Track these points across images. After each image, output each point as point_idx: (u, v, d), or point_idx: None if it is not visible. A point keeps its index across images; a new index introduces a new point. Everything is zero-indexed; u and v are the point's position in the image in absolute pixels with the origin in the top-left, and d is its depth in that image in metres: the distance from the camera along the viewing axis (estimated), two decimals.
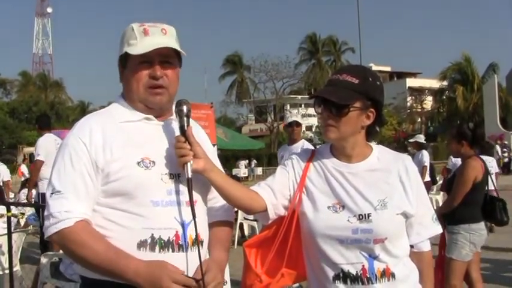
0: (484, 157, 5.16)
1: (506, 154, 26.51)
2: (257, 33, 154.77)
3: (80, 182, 1.94)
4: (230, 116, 56.92)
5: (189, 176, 1.95)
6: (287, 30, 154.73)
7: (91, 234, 1.91)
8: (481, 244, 4.83)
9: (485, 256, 6.28)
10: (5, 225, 5.41)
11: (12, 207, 5.90)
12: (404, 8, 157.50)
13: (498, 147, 25.35)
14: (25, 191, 12.10)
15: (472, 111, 41.64)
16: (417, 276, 2.17)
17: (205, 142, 2.21)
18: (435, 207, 5.12)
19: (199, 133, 2.17)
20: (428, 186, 11.20)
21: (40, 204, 7.47)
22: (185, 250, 1.97)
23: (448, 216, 4.74)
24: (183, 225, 1.98)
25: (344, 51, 60.93)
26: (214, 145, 2.60)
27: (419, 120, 51.92)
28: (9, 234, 5.17)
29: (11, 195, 13.18)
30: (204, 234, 2.08)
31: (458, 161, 6.23)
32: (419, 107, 51.38)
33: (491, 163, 7.29)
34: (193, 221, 1.96)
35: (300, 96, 53.26)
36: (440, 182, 12.47)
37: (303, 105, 51.70)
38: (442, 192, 12.12)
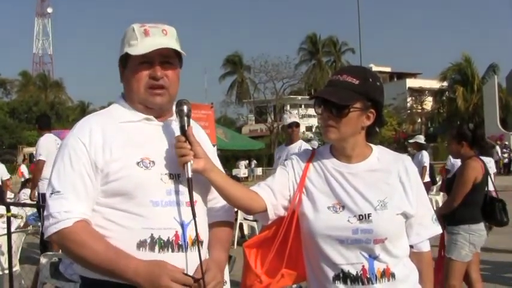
0: (483, 157, 5.16)
1: (506, 155, 26.51)
2: (257, 34, 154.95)
3: (80, 183, 1.95)
4: (230, 116, 56.98)
5: (189, 176, 1.95)
6: (287, 30, 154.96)
7: (90, 234, 1.91)
8: (480, 245, 4.83)
9: (485, 256, 6.28)
10: (5, 225, 5.41)
11: (12, 207, 5.90)
12: (404, 8, 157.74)
13: (498, 148, 25.37)
14: (25, 191, 12.11)
15: (472, 112, 41.65)
16: (417, 276, 2.17)
17: (206, 142, 2.21)
18: (435, 208, 5.13)
19: (200, 133, 2.18)
20: (428, 186, 11.21)
21: (40, 204, 7.48)
22: (185, 250, 1.97)
23: (448, 217, 4.74)
24: (182, 225, 1.98)
25: (344, 52, 60.96)
26: (214, 145, 2.60)
27: (419, 120, 51.92)
28: (9, 234, 5.17)
29: (11, 195, 13.19)
30: (204, 235, 2.08)
31: (457, 161, 6.23)
32: (419, 107, 51.37)
33: (490, 163, 7.28)
34: (193, 221, 1.96)
35: (300, 97, 53.27)
36: (440, 182, 12.50)
37: (303, 106, 51.77)
38: (441, 193, 12.14)
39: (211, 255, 2.11)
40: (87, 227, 1.92)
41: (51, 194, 1.95)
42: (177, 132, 2.03)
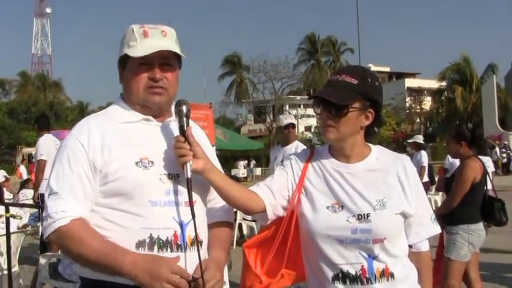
0: (481, 157, 5.16)
1: (505, 155, 26.53)
2: (256, 34, 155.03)
3: (78, 183, 1.95)
4: (229, 117, 56.92)
5: (189, 176, 1.95)
6: (286, 30, 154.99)
7: (87, 231, 1.91)
8: (479, 244, 4.84)
9: (484, 256, 6.28)
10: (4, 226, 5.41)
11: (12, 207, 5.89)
12: (403, 8, 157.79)
13: (497, 148, 25.39)
14: (24, 191, 12.10)
15: (470, 112, 41.69)
16: (416, 276, 2.17)
17: (205, 142, 2.22)
18: (434, 208, 5.13)
19: (199, 133, 2.18)
20: (427, 186, 11.22)
21: (39, 205, 7.47)
22: (184, 250, 1.97)
23: (447, 217, 4.74)
24: (181, 225, 1.98)
25: (343, 52, 60.99)
26: (213, 145, 2.60)
27: (418, 120, 51.96)
28: (8, 234, 5.17)
29: (10, 195, 13.18)
30: (203, 235, 2.08)
31: (455, 161, 6.24)
32: (418, 107, 51.40)
33: (488, 163, 7.29)
34: (192, 221, 1.96)
35: (299, 97, 53.25)
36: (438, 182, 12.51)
37: (301, 106, 51.75)
38: (440, 193, 12.15)
39: (210, 255, 2.11)
40: (84, 225, 1.92)
41: (49, 195, 1.95)
42: (176, 133, 2.03)
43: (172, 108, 2.10)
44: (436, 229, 2.20)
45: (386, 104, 36.40)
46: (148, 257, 1.88)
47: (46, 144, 7.77)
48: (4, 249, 5.38)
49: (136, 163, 1.98)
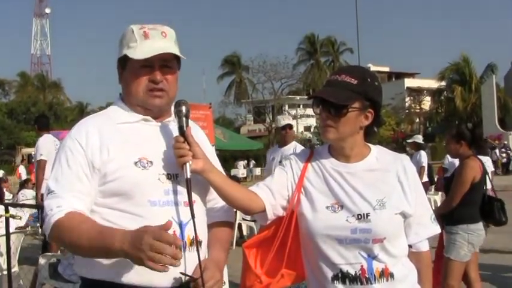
0: (480, 157, 5.17)
1: (504, 154, 26.53)
2: (255, 34, 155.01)
3: (76, 181, 1.95)
4: (228, 117, 56.85)
5: (188, 177, 1.95)
6: (285, 30, 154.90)
7: (80, 219, 1.87)
8: (479, 244, 4.84)
9: (484, 256, 6.28)
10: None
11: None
12: (402, 8, 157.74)
13: (496, 148, 25.39)
14: (23, 192, 12.10)
15: (470, 112, 41.69)
16: (416, 276, 2.17)
17: (205, 143, 2.22)
18: (433, 208, 5.14)
19: (198, 133, 2.18)
20: (426, 186, 11.23)
21: (38, 205, 7.47)
22: (183, 250, 1.97)
23: (447, 217, 4.74)
24: (180, 225, 1.98)
25: (342, 52, 60.99)
26: (212, 145, 2.60)
27: (417, 120, 51.93)
28: (8, 235, 5.17)
29: (10, 196, 13.19)
30: (203, 235, 2.08)
31: (455, 160, 6.24)
32: (418, 107, 51.39)
33: (487, 163, 7.31)
34: (191, 221, 1.96)
35: (298, 97, 53.21)
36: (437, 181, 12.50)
37: (301, 106, 51.67)
38: (440, 193, 12.15)
39: (210, 255, 2.11)
40: (77, 215, 1.88)
41: (47, 194, 1.96)
42: (176, 133, 2.03)
43: (172, 108, 2.10)
44: (436, 229, 2.20)
45: (385, 104, 36.36)
46: (136, 229, 1.78)
47: (46, 144, 7.78)
48: (4, 250, 5.38)
49: (135, 163, 1.98)
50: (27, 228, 9.05)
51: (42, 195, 7.57)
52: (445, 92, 46.78)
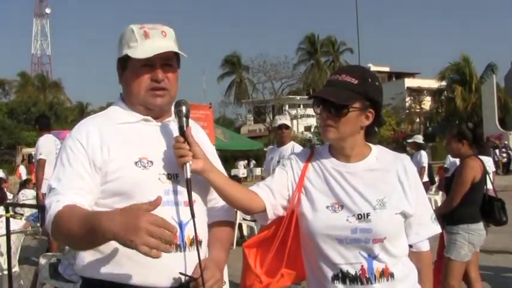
0: (481, 157, 5.17)
1: (505, 154, 26.51)
2: (256, 34, 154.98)
3: (78, 180, 1.94)
4: (229, 117, 56.83)
5: (188, 177, 1.95)
6: (286, 30, 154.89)
7: (75, 210, 1.83)
8: (480, 244, 4.84)
9: (484, 256, 6.28)
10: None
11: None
12: (402, 8, 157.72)
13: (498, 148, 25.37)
14: (24, 192, 12.11)
15: (470, 112, 41.63)
16: (416, 276, 2.17)
17: (205, 142, 2.22)
18: (434, 208, 5.13)
19: (199, 133, 2.18)
20: (427, 186, 11.23)
21: (39, 205, 7.48)
22: (183, 250, 1.97)
23: (447, 217, 4.74)
24: (180, 225, 1.98)
25: (342, 52, 60.96)
26: (213, 145, 2.60)
27: (417, 120, 51.89)
28: (8, 234, 5.17)
29: (10, 196, 13.20)
30: (203, 235, 2.08)
31: (456, 160, 6.23)
32: (418, 107, 51.34)
33: (488, 163, 7.30)
34: (191, 221, 1.96)
35: (298, 97, 53.19)
36: (438, 181, 12.50)
37: (301, 106, 51.65)
38: (440, 193, 12.15)
39: (210, 254, 2.11)
40: (75, 206, 1.84)
41: (49, 192, 1.96)
42: (176, 133, 2.03)
43: (172, 108, 2.10)
44: (436, 229, 2.20)
45: (386, 103, 36.32)
46: (127, 208, 1.69)
47: (46, 144, 7.81)
48: (4, 250, 5.38)
49: (136, 163, 1.98)
50: (28, 228, 9.07)
51: (43, 194, 7.59)
52: (445, 92, 46.72)
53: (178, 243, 1.96)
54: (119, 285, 1.91)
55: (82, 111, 57.34)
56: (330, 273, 2.07)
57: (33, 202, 9.71)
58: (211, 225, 2.18)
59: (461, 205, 4.71)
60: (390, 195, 2.07)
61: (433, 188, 12.85)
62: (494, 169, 10.33)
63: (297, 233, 2.15)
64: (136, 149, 2.01)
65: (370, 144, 2.21)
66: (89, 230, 1.70)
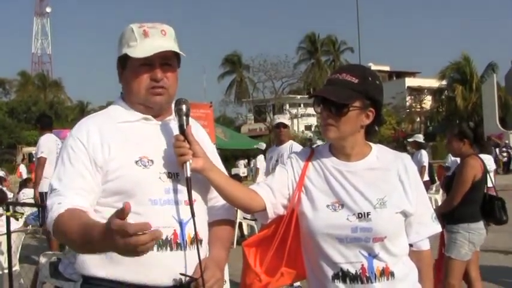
0: (482, 155, 5.17)
1: (505, 153, 26.50)
2: (256, 33, 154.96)
3: (79, 179, 1.95)
4: (229, 116, 56.77)
5: (188, 175, 1.96)
6: (286, 29, 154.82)
7: (77, 214, 1.84)
8: (480, 243, 4.84)
9: (484, 255, 6.28)
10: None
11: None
12: (403, 7, 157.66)
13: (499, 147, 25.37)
14: (24, 191, 12.11)
15: (471, 111, 41.61)
16: (416, 275, 2.17)
17: (205, 141, 2.22)
18: (434, 207, 5.13)
19: (199, 132, 2.18)
20: (427, 185, 11.22)
21: (39, 204, 7.48)
22: (183, 249, 1.98)
23: (447, 216, 4.74)
24: (181, 223, 1.98)
25: (343, 51, 60.95)
26: (214, 144, 2.61)
27: (418, 119, 51.88)
28: (8, 233, 5.17)
29: (10, 195, 13.20)
30: (203, 234, 2.08)
31: (458, 159, 6.23)
32: (419, 106, 51.31)
33: (489, 161, 7.30)
34: (191, 220, 1.96)
35: (299, 96, 53.16)
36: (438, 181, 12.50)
37: (302, 105, 51.63)
38: (441, 192, 12.14)
39: (210, 253, 2.11)
40: (77, 210, 1.86)
41: (50, 193, 1.96)
42: (176, 131, 2.04)
43: (172, 106, 2.10)
44: (437, 228, 2.20)
45: (386, 103, 36.26)
46: (105, 228, 1.62)
47: (47, 143, 7.83)
48: (5, 248, 5.38)
49: (136, 162, 1.98)
50: (28, 227, 9.08)
51: (40, 193, 7.60)
52: (445, 91, 46.71)
53: (178, 242, 1.97)
54: (120, 283, 1.92)
55: (82, 110, 57.33)
56: (330, 272, 2.06)
57: (33, 201, 9.70)
58: (211, 224, 2.18)
59: (461, 204, 4.71)
60: (391, 194, 2.07)
61: (434, 187, 12.85)
62: (494, 167, 10.34)
63: (297, 232, 2.15)
64: (137, 148, 2.01)
65: (371, 143, 2.20)
66: (87, 241, 1.74)
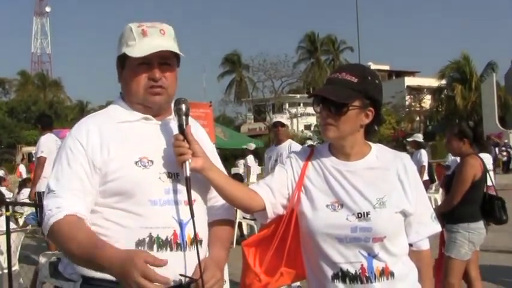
0: (481, 155, 5.16)
1: (505, 153, 26.49)
2: (256, 32, 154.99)
3: (76, 181, 1.95)
4: (229, 115, 56.75)
5: (188, 175, 1.95)
6: (286, 29, 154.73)
7: (77, 225, 1.88)
8: (480, 243, 4.84)
9: (484, 255, 6.28)
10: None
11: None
12: (402, 6, 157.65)
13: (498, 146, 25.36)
14: (24, 191, 12.10)
15: (470, 110, 41.60)
16: (416, 275, 2.17)
17: (205, 140, 2.22)
18: (434, 206, 5.14)
19: (198, 131, 2.18)
20: (427, 185, 11.23)
21: (38, 204, 7.47)
22: (183, 249, 1.97)
23: (447, 215, 4.74)
24: (181, 224, 1.98)
25: (343, 50, 60.93)
26: (213, 143, 2.60)
27: (417, 119, 51.84)
28: (8, 233, 5.17)
29: (10, 194, 13.19)
30: (203, 234, 2.08)
31: (457, 158, 6.23)
32: (418, 105, 51.28)
33: (488, 160, 7.30)
34: (191, 220, 1.96)
35: (298, 95, 53.16)
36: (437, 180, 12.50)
37: (301, 104, 51.61)
38: (440, 191, 12.15)
39: (210, 253, 2.11)
40: (76, 220, 1.89)
41: (47, 193, 1.96)
42: (176, 131, 2.03)
43: (172, 106, 2.10)
44: (436, 227, 2.19)
45: (386, 102, 36.24)
46: (123, 255, 1.77)
47: (47, 143, 7.84)
48: (4, 248, 5.38)
49: (136, 162, 1.98)
50: (28, 227, 9.08)
51: (38, 192, 7.61)
52: (445, 91, 46.68)
53: (178, 242, 1.97)
54: (119, 284, 1.91)
55: (82, 110, 57.33)
56: (329, 272, 2.06)
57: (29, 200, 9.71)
58: (211, 224, 2.18)
59: (461, 204, 4.71)
60: (390, 194, 2.07)
61: (433, 186, 12.85)
62: (492, 167, 10.35)
63: (297, 232, 2.15)
64: (137, 148, 2.01)
65: (370, 143, 2.20)
66: (89, 260, 1.83)
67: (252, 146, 17.57)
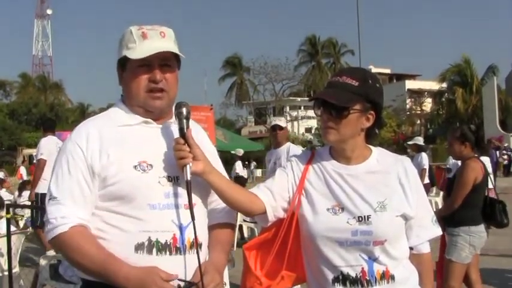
0: (482, 157, 5.16)
1: (505, 156, 26.46)
2: (257, 35, 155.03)
3: (77, 188, 1.96)
4: (230, 118, 56.82)
5: (188, 179, 1.95)
6: (287, 32, 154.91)
7: (85, 238, 1.92)
8: (480, 246, 4.83)
9: (485, 258, 6.27)
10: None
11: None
12: (403, 9, 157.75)
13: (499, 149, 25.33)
14: (24, 194, 12.10)
15: (471, 113, 41.63)
16: (417, 278, 2.16)
17: (206, 143, 2.21)
18: (435, 210, 5.13)
19: (199, 134, 2.17)
20: (428, 188, 11.21)
21: (38, 206, 7.48)
22: (183, 253, 1.97)
23: (448, 219, 4.74)
24: (180, 228, 1.98)
25: (343, 54, 61.04)
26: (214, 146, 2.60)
27: (418, 122, 51.86)
28: (9, 236, 5.17)
29: (10, 197, 13.19)
30: (203, 237, 2.08)
31: (458, 161, 6.23)
32: (419, 109, 51.32)
33: (487, 163, 7.31)
34: (191, 224, 1.96)
35: (299, 98, 53.22)
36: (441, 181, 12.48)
37: (302, 107, 51.70)
38: (441, 194, 12.14)
39: (210, 257, 2.11)
40: (83, 232, 1.93)
41: (49, 199, 1.97)
42: (176, 135, 2.03)
43: (173, 109, 2.10)
44: (437, 231, 2.19)
45: (386, 105, 36.26)
46: (142, 272, 1.87)
47: (48, 145, 7.88)
48: (5, 251, 5.37)
49: (135, 166, 1.98)
50: (28, 229, 9.07)
51: (37, 194, 7.62)
52: (446, 94, 46.70)
53: (178, 246, 1.96)
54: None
55: (83, 112, 57.44)
56: (330, 276, 2.06)
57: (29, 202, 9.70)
58: (211, 227, 2.18)
59: (462, 207, 4.71)
60: (391, 197, 2.07)
61: (434, 189, 12.84)
62: (491, 170, 10.34)
63: (297, 235, 2.14)
64: (136, 152, 2.01)
65: (371, 146, 2.20)
66: (101, 275, 1.89)
67: (240, 151, 17.52)
